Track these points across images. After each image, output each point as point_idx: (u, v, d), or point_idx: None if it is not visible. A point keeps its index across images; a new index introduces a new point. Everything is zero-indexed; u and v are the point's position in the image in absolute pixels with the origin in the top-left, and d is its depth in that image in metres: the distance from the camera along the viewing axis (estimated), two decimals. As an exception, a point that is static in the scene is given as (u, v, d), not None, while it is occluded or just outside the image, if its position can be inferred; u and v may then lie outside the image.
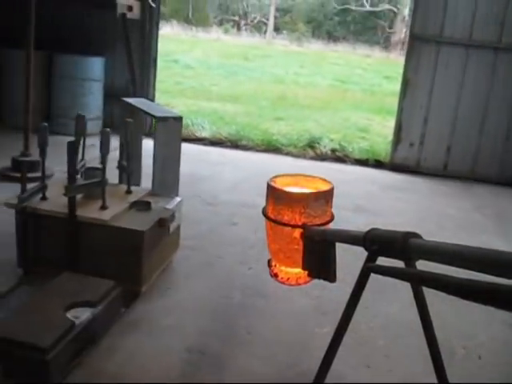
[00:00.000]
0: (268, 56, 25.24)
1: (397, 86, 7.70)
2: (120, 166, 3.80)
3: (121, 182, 3.93)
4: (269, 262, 2.75)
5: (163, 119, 3.95)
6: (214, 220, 4.92)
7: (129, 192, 3.75)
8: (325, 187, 2.59)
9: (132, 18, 7.25)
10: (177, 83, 15.45)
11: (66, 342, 2.50)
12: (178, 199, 3.86)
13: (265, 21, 39.87)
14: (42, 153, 3.32)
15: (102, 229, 3.23)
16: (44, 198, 3.42)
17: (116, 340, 2.93)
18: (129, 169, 3.74)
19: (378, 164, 7.82)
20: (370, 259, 1.91)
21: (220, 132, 8.78)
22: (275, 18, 38.62)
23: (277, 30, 39.05)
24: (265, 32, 38.77)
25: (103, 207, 3.35)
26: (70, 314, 2.66)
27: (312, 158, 7.99)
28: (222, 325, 3.22)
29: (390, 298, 3.67)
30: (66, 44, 7.70)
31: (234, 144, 8.37)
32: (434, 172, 7.48)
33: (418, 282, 1.91)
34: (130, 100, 4.59)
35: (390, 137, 7.93)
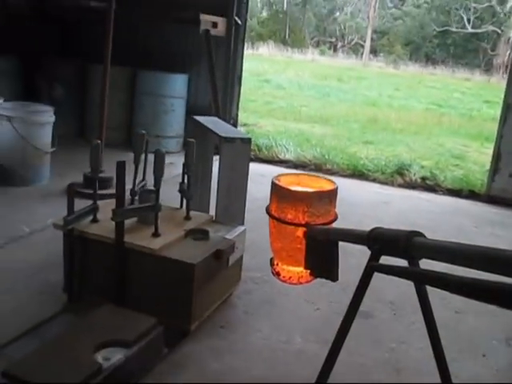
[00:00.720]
0: (363, 78, 24.79)
1: (498, 111, 7.04)
2: (181, 190, 3.52)
3: (182, 206, 3.66)
4: (271, 260, 2.70)
5: (229, 140, 3.65)
6: (283, 250, 4.53)
7: (188, 218, 3.46)
8: (328, 187, 2.60)
9: (217, 34, 7.08)
10: (266, 103, 15.29)
11: (91, 388, 2.21)
12: (241, 228, 3.53)
13: (362, 43, 39.49)
14: (95, 172, 3.11)
15: (151, 258, 2.94)
16: (95, 221, 3.19)
17: (156, 382, 2.63)
18: (189, 193, 3.45)
19: (473, 195, 7.13)
20: (374, 258, 1.91)
21: (304, 155, 8.41)
22: (372, 40, 38.18)
23: (374, 52, 38.55)
24: (361, 54, 38.35)
25: (155, 234, 3.07)
26: (99, 355, 2.38)
27: (400, 186, 7.43)
28: (276, 375, 2.84)
29: (474, 352, 3.15)
30: (151, 60, 7.66)
31: (318, 167, 7.96)
32: (537, 207, 6.73)
33: (422, 281, 1.91)
34: (200, 118, 4.33)
35: (488, 166, 7.26)
